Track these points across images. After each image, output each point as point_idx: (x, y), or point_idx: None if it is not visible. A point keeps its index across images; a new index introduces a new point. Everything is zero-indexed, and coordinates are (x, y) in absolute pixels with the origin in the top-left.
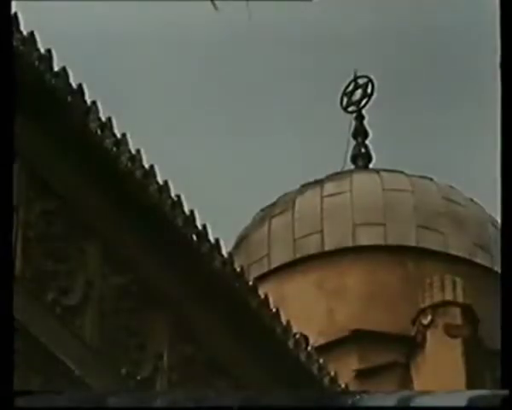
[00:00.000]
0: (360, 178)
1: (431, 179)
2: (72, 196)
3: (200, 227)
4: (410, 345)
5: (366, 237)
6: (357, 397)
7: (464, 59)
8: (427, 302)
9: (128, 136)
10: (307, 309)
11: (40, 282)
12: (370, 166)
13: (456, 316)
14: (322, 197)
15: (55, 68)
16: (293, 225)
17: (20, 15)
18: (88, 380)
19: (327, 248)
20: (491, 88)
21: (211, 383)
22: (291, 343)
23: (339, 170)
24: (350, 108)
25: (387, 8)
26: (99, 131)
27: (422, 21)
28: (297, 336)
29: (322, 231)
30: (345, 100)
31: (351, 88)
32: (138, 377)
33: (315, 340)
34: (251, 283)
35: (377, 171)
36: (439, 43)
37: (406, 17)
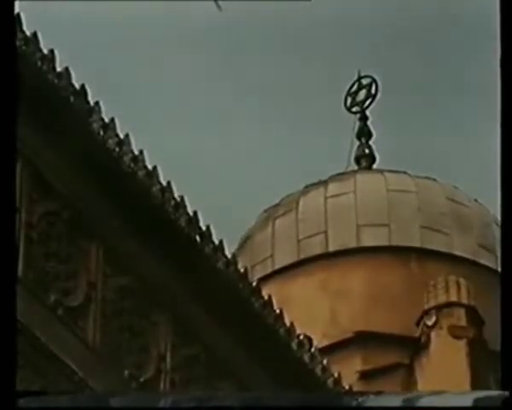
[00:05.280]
0: (364, 179)
1: (435, 180)
2: (74, 197)
3: (203, 228)
4: (415, 346)
5: (370, 238)
6: (363, 398)
7: (467, 58)
8: (432, 303)
9: (131, 136)
10: (311, 310)
11: (42, 283)
12: (374, 166)
13: (460, 317)
14: (325, 198)
15: (58, 69)
16: (296, 226)
17: (22, 16)
18: (90, 381)
19: (331, 249)
20: (492, 87)
21: (214, 385)
22: (294, 344)
23: (342, 171)
24: (354, 109)
25: (391, 8)
26: (102, 132)
27: (425, 21)
28: (300, 337)
29: (325, 232)
30: (349, 100)
31: (355, 88)
32: (141, 379)
33: (318, 341)
34: (254, 284)
35: (381, 171)
36: (443, 43)
37: (410, 17)
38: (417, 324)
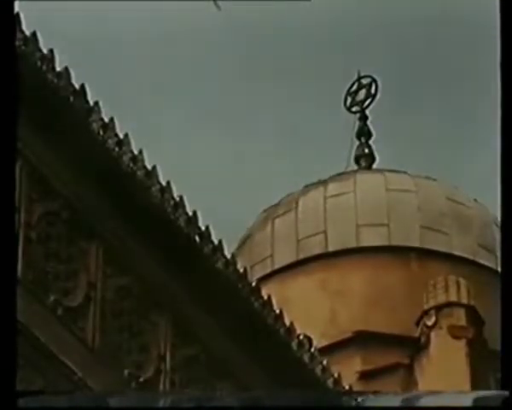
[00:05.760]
0: (364, 179)
1: (435, 180)
2: (73, 197)
3: (202, 228)
4: (414, 346)
5: (370, 238)
6: (362, 398)
7: (467, 59)
8: (431, 303)
9: (130, 136)
10: (310, 310)
11: (42, 283)
12: (374, 166)
13: (460, 317)
14: (325, 198)
15: (58, 69)
16: (296, 226)
17: (22, 15)
18: (90, 381)
19: (330, 248)
20: (492, 87)
21: (213, 385)
22: (294, 345)
23: (342, 170)
24: (353, 109)
25: (391, 8)
26: (101, 132)
27: (425, 21)
28: (300, 337)
29: (325, 232)
30: (348, 100)
31: (354, 88)
32: (141, 379)
33: (318, 341)
34: (254, 283)
35: (381, 171)
36: (442, 44)
37: (410, 17)
38: (417, 324)
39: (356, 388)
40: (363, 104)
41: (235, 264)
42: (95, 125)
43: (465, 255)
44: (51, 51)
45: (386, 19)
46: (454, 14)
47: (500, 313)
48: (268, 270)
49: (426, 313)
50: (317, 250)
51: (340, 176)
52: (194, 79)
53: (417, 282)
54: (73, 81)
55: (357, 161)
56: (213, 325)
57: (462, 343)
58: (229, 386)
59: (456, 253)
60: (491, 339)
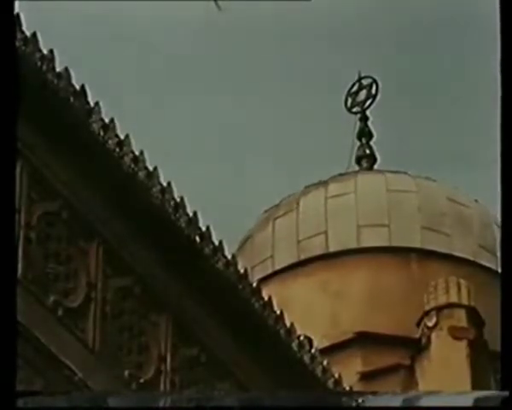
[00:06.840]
0: (364, 180)
1: (435, 180)
2: (74, 198)
3: (203, 229)
4: (415, 347)
5: (370, 239)
6: (362, 398)
7: (466, 58)
8: (432, 304)
9: (131, 137)
10: (311, 311)
11: (42, 284)
12: (375, 167)
13: (460, 318)
14: (326, 198)
15: (58, 69)
16: (297, 227)
17: (22, 16)
18: (90, 382)
19: (331, 249)
20: (492, 87)
21: (214, 385)
22: (295, 345)
23: (343, 171)
24: (354, 109)
25: (391, 8)
26: (102, 133)
27: (425, 22)
28: (301, 338)
29: (326, 233)
30: (349, 101)
31: (355, 89)
32: (141, 380)
33: (319, 342)
34: (254, 284)
35: (381, 172)
36: (442, 44)
37: (410, 17)
38: (418, 325)
39: (356, 389)
40: (363, 105)
41: (235, 264)
42: (95, 126)
43: (466, 256)
44: (51, 52)
45: (386, 19)
46: (454, 14)
47: (500, 313)
48: (269, 271)
49: (426, 313)
50: (318, 251)
51: (340, 177)
52: (194, 78)
53: (418, 283)
54: (74, 82)
55: (358, 161)
56: (214, 326)
57: (462, 344)
58: (229, 387)
59: (457, 254)
60: (491, 340)
